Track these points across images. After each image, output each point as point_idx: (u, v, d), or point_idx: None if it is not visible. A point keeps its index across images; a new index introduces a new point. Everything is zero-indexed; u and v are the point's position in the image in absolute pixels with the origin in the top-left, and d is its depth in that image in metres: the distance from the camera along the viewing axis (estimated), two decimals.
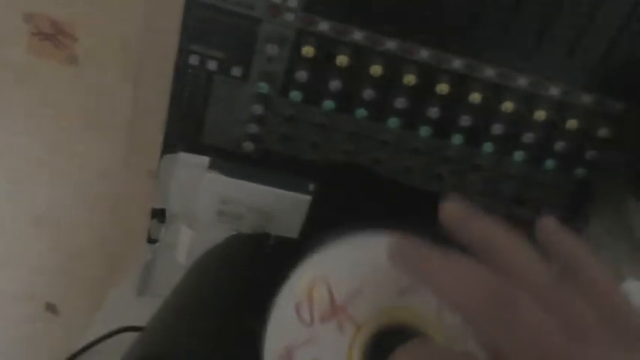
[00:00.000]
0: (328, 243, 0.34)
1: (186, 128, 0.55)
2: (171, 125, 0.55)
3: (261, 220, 0.52)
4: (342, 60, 0.50)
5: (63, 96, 0.72)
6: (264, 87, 0.52)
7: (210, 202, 0.52)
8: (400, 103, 0.51)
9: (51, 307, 0.88)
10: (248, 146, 0.54)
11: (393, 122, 0.52)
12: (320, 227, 0.45)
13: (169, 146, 0.55)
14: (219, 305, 0.42)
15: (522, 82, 0.51)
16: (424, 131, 0.53)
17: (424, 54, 0.50)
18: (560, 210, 0.55)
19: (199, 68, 0.52)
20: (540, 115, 0.51)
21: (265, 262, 0.46)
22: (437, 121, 0.52)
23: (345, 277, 0.33)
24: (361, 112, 0.52)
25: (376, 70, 0.50)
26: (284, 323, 0.33)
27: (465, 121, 0.52)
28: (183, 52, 0.52)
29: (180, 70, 0.52)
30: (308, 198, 0.51)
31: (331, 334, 0.32)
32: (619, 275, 0.48)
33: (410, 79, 0.50)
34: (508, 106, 0.51)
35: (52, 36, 0.70)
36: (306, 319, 0.33)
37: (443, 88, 0.50)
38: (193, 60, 0.52)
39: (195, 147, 0.55)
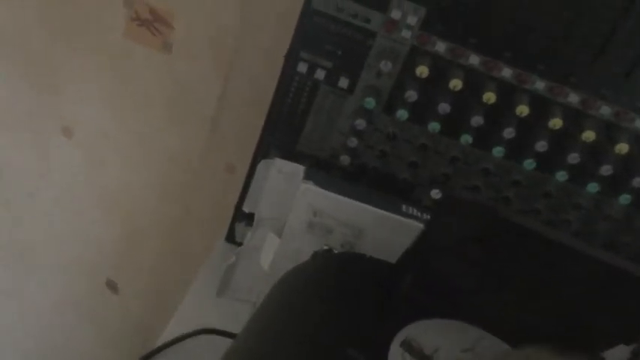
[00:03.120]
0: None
1: (284, 134, 0.54)
2: (269, 129, 0.54)
3: (351, 237, 0.51)
4: (455, 83, 0.48)
5: (153, 83, 0.72)
6: (370, 102, 0.51)
7: (302, 213, 0.52)
8: (508, 133, 0.50)
9: (112, 285, 0.89)
10: (344, 159, 0.54)
11: (497, 151, 0.51)
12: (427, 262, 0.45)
13: (264, 150, 0.55)
14: (314, 331, 0.41)
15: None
16: (528, 164, 0.51)
17: (539, 85, 0.49)
18: None
19: (307, 76, 0.51)
20: None
21: (362, 287, 0.45)
22: (543, 155, 0.51)
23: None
24: (466, 138, 0.51)
25: (489, 97, 0.48)
26: None
27: (573, 158, 0.50)
28: (292, 58, 0.51)
29: (287, 75, 0.52)
30: (400, 218, 0.50)
31: None
32: None
33: (522, 109, 0.49)
34: (622, 147, 0.49)
35: (150, 22, 0.70)
36: None
37: (556, 122, 0.49)
38: (302, 67, 0.51)
39: (290, 153, 0.54)
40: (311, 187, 0.52)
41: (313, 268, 0.46)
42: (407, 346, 0.42)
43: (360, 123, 0.52)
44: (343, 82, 0.51)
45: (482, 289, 0.43)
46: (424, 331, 0.43)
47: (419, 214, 0.52)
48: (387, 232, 0.52)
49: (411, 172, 0.53)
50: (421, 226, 0.49)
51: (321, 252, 0.48)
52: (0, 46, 0.76)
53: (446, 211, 0.40)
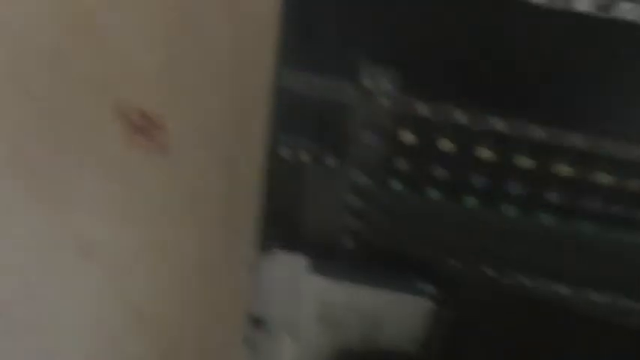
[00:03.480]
0: None
1: (282, 225, 0.51)
2: (266, 222, 0.51)
3: (370, 329, 0.47)
4: (445, 144, 0.45)
5: (155, 188, 0.71)
6: (360, 177, 0.47)
7: (312, 309, 0.48)
8: (513, 188, 0.46)
9: None
10: (348, 243, 0.50)
11: (508, 209, 0.47)
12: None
13: (264, 245, 0.52)
14: None
15: None
16: (545, 219, 0.47)
17: (539, 134, 0.45)
18: None
19: (291, 160, 0.48)
20: None
21: None
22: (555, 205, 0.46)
23: None
24: (470, 201, 0.47)
25: (484, 154, 0.45)
26: None
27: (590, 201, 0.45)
28: (273, 145, 0.48)
29: (271, 163, 0.49)
30: (419, 299, 0.46)
31: None
32: None
33: (523, 161, 0.45)
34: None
35: (143, 127, 0.69)
36: None
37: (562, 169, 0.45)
38: (284, 152, 0.48)
39: (292, 245, 0.51)
40: (316, 279, 0.48)
41: None
42: None
43: (355, 200, 0.48)
44: (331, 161, 0.48)
45: None
46: None
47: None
48: (408, 318, 0.47)
49: (418, 245, 0.49)
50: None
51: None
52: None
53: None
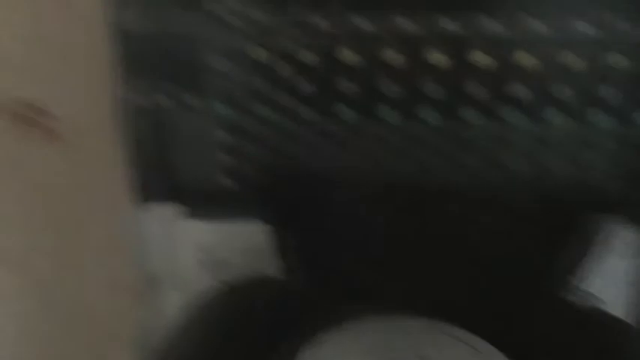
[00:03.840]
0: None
1: (157, 177, 0.47)
2: (141, 176, 0.47)
3: (253, 263, 0.43)
4: (306, 56, 0.41)
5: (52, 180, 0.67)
6: (222, 108, 0.44)
7: (192, 255, 0.45)
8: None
9: None
10: (225, 181, 0.46)
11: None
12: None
13: (141, 198, 0.48)
14: None
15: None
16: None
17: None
18: None
19: (150, 107, 0.44)
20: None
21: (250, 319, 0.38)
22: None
23: None
24: (346, 114, 0.43)
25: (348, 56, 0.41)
26: None
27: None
28: (128, 93, 0.44)
29: (130, 113, 0.45)
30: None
31: None
32: None
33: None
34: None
35: (31, 119, 0.65)
36: None
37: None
38: (140, 99, 0.44)
39: (169, 195, 0.47)
40: (194, 224, 0.45)
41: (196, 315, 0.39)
42: None
43: (225, 136, 0.44)
44: (192, 101, 0.44)
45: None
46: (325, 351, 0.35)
47: None
48: None
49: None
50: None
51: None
52: None
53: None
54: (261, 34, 0.42)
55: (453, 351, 0.35)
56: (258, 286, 0.40)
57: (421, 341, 0.35)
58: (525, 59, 0.40)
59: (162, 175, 0.46)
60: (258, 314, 0.38)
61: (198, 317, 0.38)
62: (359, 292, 0.39)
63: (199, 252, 0.45)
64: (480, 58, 0.40)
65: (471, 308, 0.37)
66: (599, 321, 0.39)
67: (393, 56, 0.41)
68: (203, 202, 0.45)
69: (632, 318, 0.43)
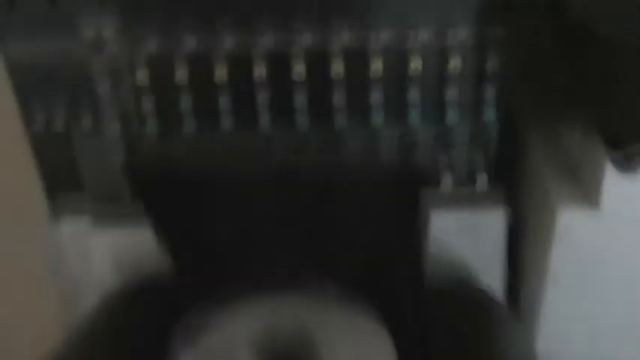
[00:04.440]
0: None
1: (66, 193, 0.50)
2: (50, 196, 0.51)
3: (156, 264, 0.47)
4: (181, 75, 0.45)
5: None
6: (118, 129, 0.47)
7: (107, 263, 0.48)
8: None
9: None
10: (127, 194, 0.49)
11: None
12: None
13: (53, 215, 0.51)
14: None
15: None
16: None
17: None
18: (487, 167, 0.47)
19: (48, 131, 0.48)
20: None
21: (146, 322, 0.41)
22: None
23: None
24: (226, 124, 0.46)
25: (220, 74, 0.44)
26: None
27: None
28: (27, 120, 0.48)
29: (32, 139, 0.48)
30: None
31: None
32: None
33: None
34: (376, 66, 0.44)
35: None
36: None
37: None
38: (39, 126, 0.48)
39: (78, 209, 0.50)
40: (104, 233, 0.48)
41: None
42: None
43: (120, 152, 0.48)
44: (87, 122, 0.47)
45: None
46: (214, 341, 0.38)
47: None
48: None
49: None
50: None
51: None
52: None
53: None
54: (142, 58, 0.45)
55: (332, 324, 0.38)
56: (149, 287, 0.43)
57: (307, 319, 0.39)
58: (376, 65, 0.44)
59: (72, 190, 0.50)
60: (148, 316, 0.41)
61: (91, 321, 0.41)
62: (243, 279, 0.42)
63: (112, 260, 0.48)
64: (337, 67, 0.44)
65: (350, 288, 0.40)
66: (466, 298, 0.42)
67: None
68: (111, 212, 0.49)
69: (502, 293, 0.47)
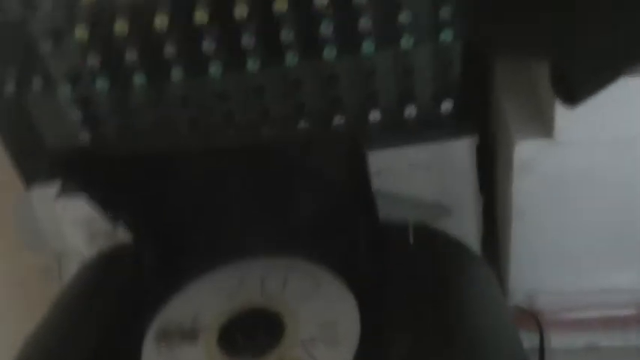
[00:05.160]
0: None
1: (34, 160, 0.50)
2: (19, 160, 0.50)
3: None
4: (120, 26, 0.43)
5: None
6: (68, 89, 0.46)
7: (79, 232, 0.48)
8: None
9: None
10: (88, 152, 0.49)
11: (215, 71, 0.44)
12: None
13: (26, 182, 0.51)
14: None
15: None
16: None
17: None
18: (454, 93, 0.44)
19: (6, 94, 0.47)
20: None
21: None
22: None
23: None
24: (176, 74, 0.45)
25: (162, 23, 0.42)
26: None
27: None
28: None
29: None
30: None
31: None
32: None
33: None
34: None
35: None
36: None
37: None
38: None
39: (48, 175, 0.50)
40: (73, 199, 0.48)
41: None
42: (160, 335, 0.37)
43: (77, 114, 0.47)
44: (38, 83, 0.46)
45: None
46: (180, 306, 0.39)
47: None
48: None
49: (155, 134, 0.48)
50: None
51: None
52: None
53: None
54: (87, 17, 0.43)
55: (295, 283, 0.38)
56: (120, 255, 0.43)
57: (267, 275, 0.39)
58: None
59: (39, 156, 0.49)
60: (118, 284, 0.41)
61: (64, 292, 0.41)
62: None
63: (84, 226, 0.48)
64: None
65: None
66: (426, 239, 0.40)
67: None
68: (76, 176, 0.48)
69: (476, 227, 0.45)
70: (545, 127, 0.38)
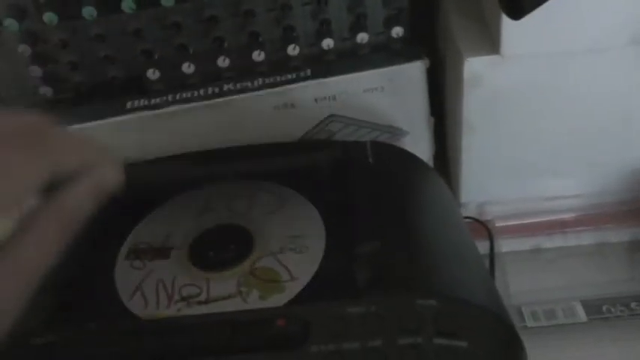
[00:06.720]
0: None
1: None
2: None
3: None
4: None
5: None
6: (13, 24, 0.45)
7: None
8: None
9: None
10: (46, 91, 0.48)
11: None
12: None
13: None
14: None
15: None
16: None
17: None
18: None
19: None
20: None
21: None
22: None
23: None
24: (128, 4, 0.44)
25: None
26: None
27: None
28: None
29: None
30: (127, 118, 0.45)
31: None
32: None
33: None
34: None
35: None
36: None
37: None
38: None
39: None
40: None
41: None
42: (133, 253, 0.37)
43: (25, 49, 0.46)
44: None
45: None
46: (150, 228, 0.39)
47: (146, 102, 0.47)
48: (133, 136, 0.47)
49: (113, 67, 0.48)
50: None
51: None
52: None
53: None
54: None
55: (260, 202, 0.39)
56: None
57: (234, 197, 0.40)
58: None
59: None
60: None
61: None
62: None
63: None
64: None
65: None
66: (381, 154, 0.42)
67: None
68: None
69: (429, 145, 0.47)
70: (492, 44, 0.40)
